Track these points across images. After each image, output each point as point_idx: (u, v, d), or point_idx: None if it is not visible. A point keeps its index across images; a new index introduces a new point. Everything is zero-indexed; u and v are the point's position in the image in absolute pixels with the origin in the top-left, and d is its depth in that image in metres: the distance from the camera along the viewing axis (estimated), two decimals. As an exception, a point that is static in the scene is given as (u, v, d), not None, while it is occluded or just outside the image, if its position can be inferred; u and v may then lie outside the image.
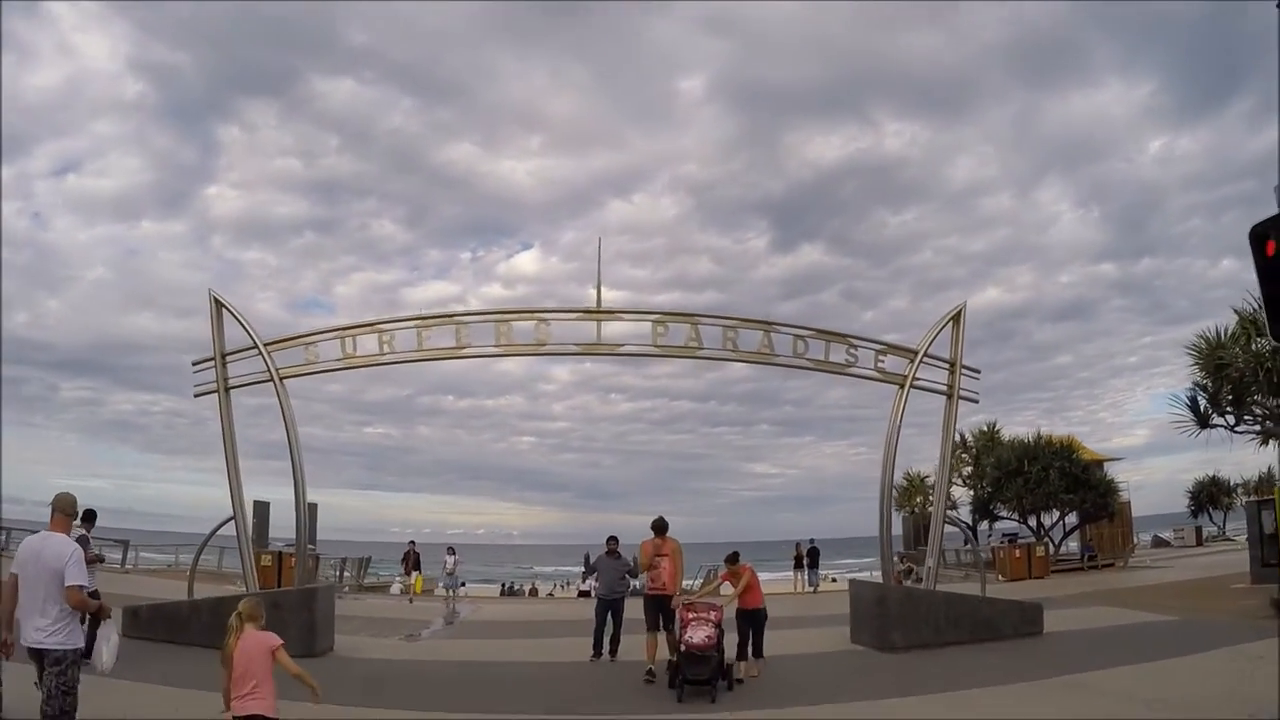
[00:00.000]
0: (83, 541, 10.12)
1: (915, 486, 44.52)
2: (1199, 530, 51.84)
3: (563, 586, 58.49)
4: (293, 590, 14.86)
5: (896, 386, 16.33)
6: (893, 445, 16.22)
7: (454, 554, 27.69)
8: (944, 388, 16.68)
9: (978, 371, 17.25)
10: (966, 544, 44.30)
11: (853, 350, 16.07)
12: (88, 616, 6.76)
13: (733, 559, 12.99)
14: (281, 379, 14.51)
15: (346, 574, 37.38)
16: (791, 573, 36.23)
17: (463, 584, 30.18)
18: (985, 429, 41.98)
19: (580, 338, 15.11)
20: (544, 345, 14.79)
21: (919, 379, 16.40)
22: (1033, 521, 38.14)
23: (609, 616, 14.01)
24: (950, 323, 16.86)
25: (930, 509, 44.81)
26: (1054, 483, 35.39)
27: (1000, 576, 32.38)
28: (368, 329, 14.56)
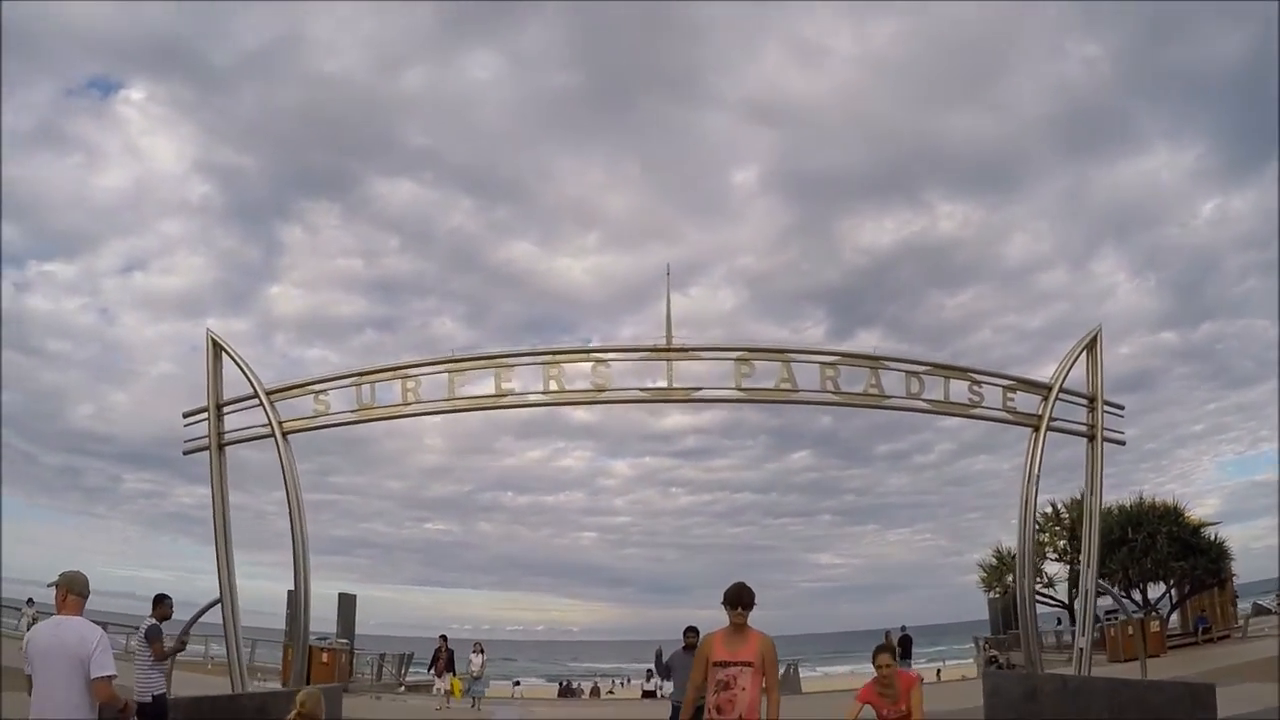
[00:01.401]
0: (153, 632, 9.53)
1: (1005, 564, 40.44)
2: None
3: (623, 684, 55.10)
4: (281, 690, 12.06)
5: (1030, 429, 13.49)
6: (1031, 502, 13.37)
7: (482, 653, 24.08)
8: (1084, 428, 13.78)
9: (1121, 407, 14.38)
10: (1059, 624, 40.72)
11: (976, 388, 13.28)
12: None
13: (890, 651, 7.81)
14: (285, 433, 12.01)
15: (386, 669, 34.38)
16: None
17: (486, 687, 25.68)
18: (1079, 497, 38.17)
19: (648, 381, 12.46)
20: (603, 391, 12.14)
21: (1055, 419, 13.51)
22: (1139, 595, 34.39)
23: None
24: (1084, 351, 14.02)
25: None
26: (1162, 549, 32.08)
27: (1109, 658, 28.59)
28: (389, 374, 12.09)
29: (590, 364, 12.18)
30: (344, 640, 28.66)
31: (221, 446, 12.14)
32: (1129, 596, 35.45)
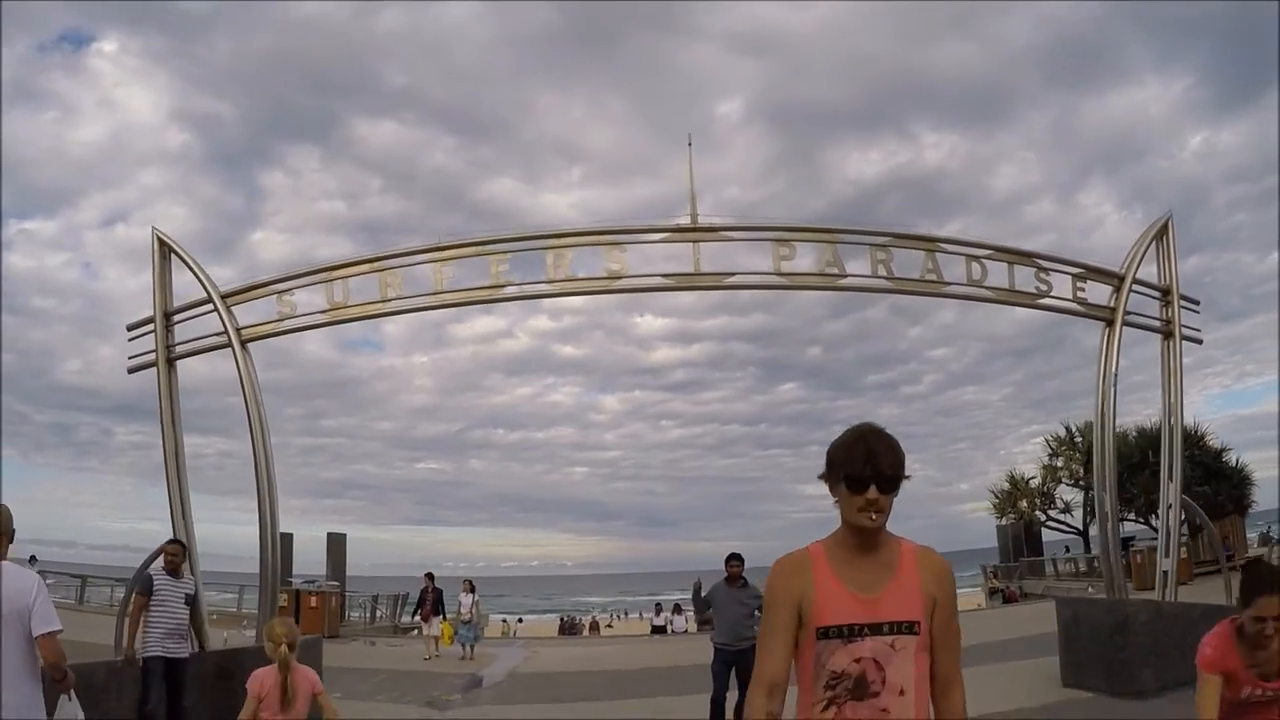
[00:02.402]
0: (134, 583, 8.71)
1: (1021, 489, 39.30)
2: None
3: (621, 617, 54.32)
4: (246, 649, 10.41)
5: (1103, 324, 11.85)
6: (1110, 403, 11.66)
7: (473, 592, 20.79)
8: (1159, 323, 12.13)
9: (1196, 302, 12.70)
10: (1067, 550, 39.67)
11: (1043, 275, 11.54)
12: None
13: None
14: (244, 341, 10.16)
15: (380, 613, 33.03)
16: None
17: (478, 632, 22.43)
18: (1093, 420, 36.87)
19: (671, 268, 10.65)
20: (619, 278, 10.33)
21: (1129, 313, 11.89)
22: (1157, 522, 33.20)
23: (732, 675, 9.30)
24: (1154, 241, 12.30)
25: (1035, 514, 40.11)
26: (1186, 474, 30.65)
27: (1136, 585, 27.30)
28: (364, 267, 10.25)
29: (602, 248, 10.33)
30: (334, 583, 27.17)
31: (171, 361, 10.27)
32: (1147, 522, 34.43)
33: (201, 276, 10.29)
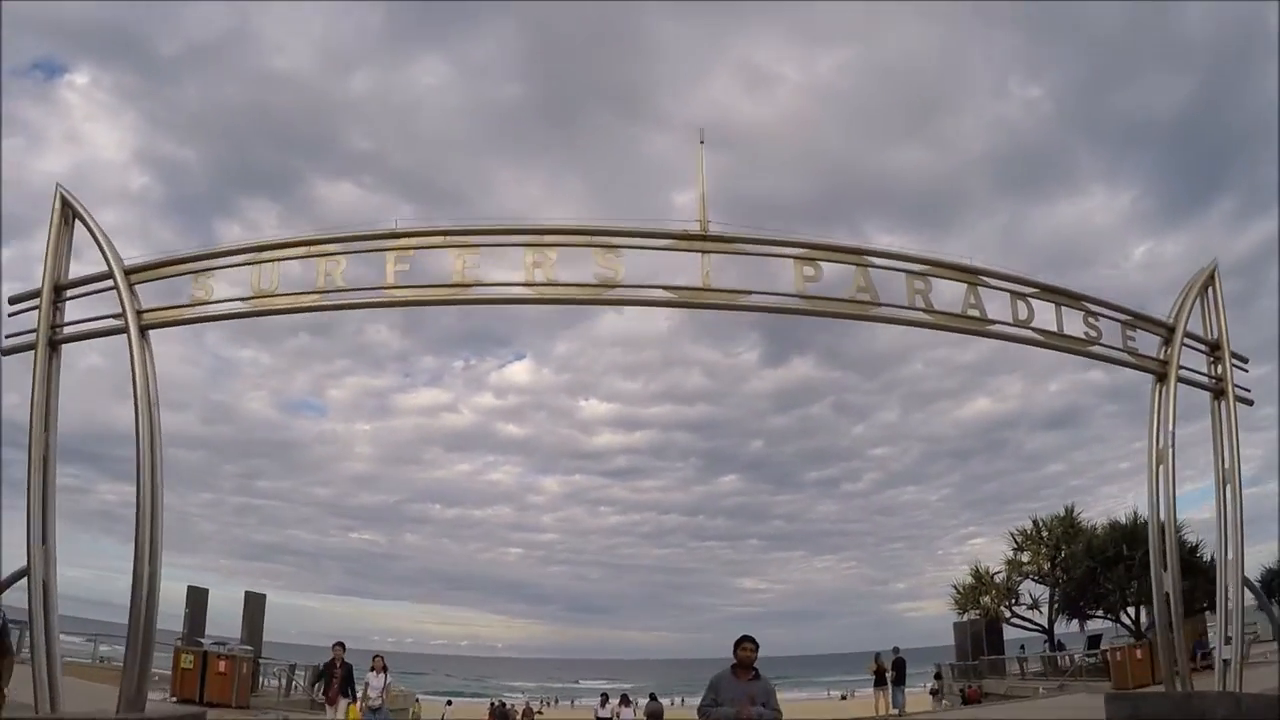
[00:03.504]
0: None
1: (985, 584, 37.64)
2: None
3: (551, 703, 51.76)
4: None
5: (1153, 378, 10.46)
6: (1169, 466, 10.19)
7: (385, 672, 17.63)
8: (1208, 380, 10.79)
9: (1245, 360, 11.36)
10: (1022, 650, 37.99)
11: (1092, 320, 10.12)
12: None
13: None
14: (144, 327, 8.22)
15: (296, 684, 30.01)
16: (872, 691, 28.96)
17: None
18: (1064, 513, 36.14)
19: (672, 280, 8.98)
20: (611, 287, 8.63)
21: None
22: (1130, 619, 32.12)
23: None
24: (1199, 295, 11.04)
25: (1000, 610, 38.41)
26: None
27: (1114, 684, 25.64)
28: (300, 249, 8.44)
29: (593, 250, 8.62)
30: (248, 647, 24.36)
31: (55, 344, 8.31)
32: (1117, 620, 33.05)
33: (104, 245, 8.40)
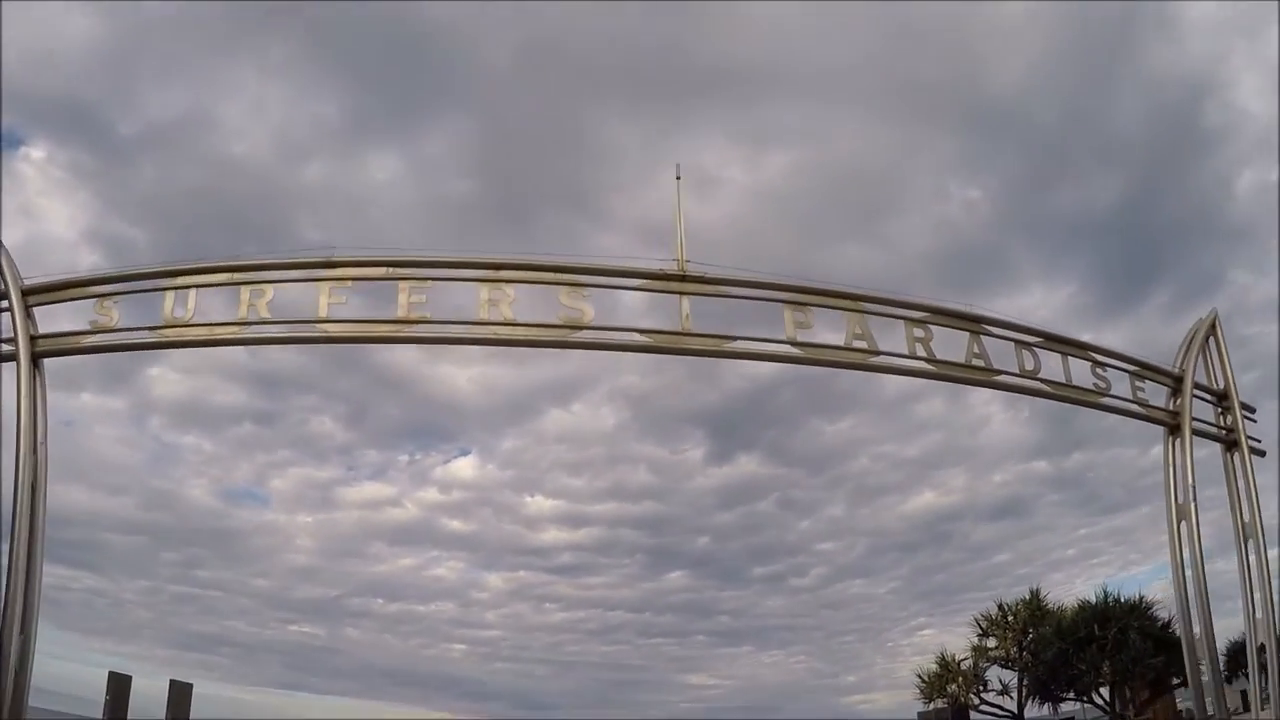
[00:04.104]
0: None
1: (951, 672, 36.28)
2: (1243, 695, 44.89)
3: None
4: None
5: (1165, 430, 9.68)
6: (1190, 521, 9.36)
7: None
8: (1218, 430, 10.07)
9: (1252, 410, 10.70)
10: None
11: (1100, 372, 9.39)
12: None
13: None
14: (37, 354, 7.00)
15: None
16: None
17: None
18: (1029, 596, 35.25)
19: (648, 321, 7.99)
20: (578, 329, 7.63)
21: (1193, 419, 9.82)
22: (1104, 700, 31.13)
23: None
24: (1201, 347, 10.44)
25: (968, 698, 37.06)
26: (1135, 646, 28.60)
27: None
28: (224, 276, 7.38)
29: (559, 288, 7.60)
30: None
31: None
32: (1090, 701, 32.02)
33: (2, 262, 7.14)
